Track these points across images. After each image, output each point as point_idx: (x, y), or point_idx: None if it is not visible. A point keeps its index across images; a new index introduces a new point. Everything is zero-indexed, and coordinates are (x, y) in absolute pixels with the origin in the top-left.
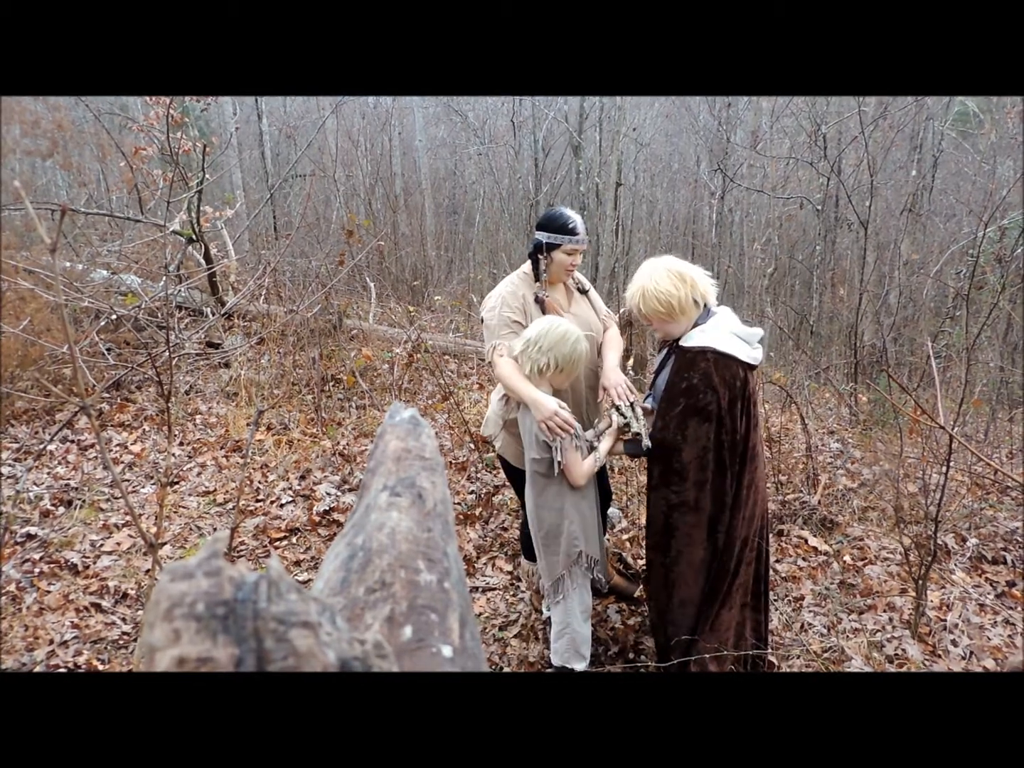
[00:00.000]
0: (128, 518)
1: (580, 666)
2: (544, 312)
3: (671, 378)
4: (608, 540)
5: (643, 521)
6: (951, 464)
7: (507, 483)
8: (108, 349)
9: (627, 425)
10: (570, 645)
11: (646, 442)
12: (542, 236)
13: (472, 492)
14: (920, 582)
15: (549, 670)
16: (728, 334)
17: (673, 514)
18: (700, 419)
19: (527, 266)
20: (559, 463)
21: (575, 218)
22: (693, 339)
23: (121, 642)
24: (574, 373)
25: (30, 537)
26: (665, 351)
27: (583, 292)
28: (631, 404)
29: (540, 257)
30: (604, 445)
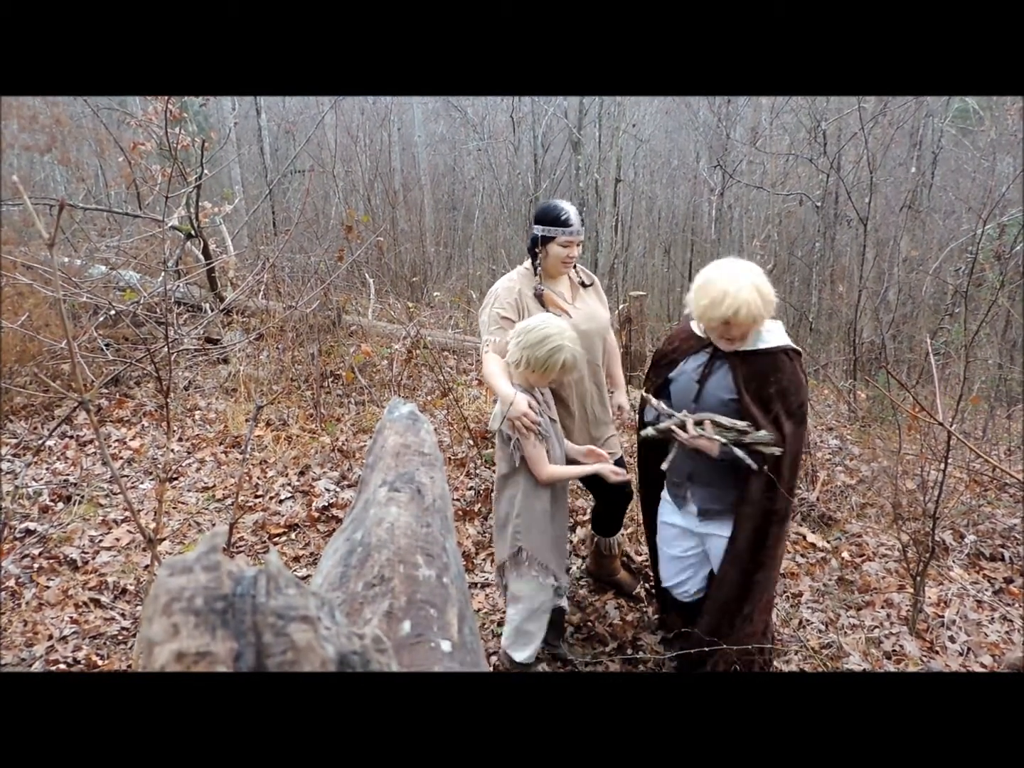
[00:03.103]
0: (127, 514)
1: (520, 657)
2: (543, 305)
3: (750, 384)
4: (622, 536)
5: (641, 518)
6: (949, 461)
7: None
8: (107, 345)
9: (739, 441)
10: (516, 634)
11: (748, 462)
12: (537, 229)
13: (471, 488)
14: (918, 578)
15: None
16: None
17: (769, 524)
18: (795, 422)
19: (529, 261)
20: (520, 457)
21: (568, 210)
22: (765, 340)
23: (120, 637)
24: (548, 378)
25: (29, 533)
26: (707, 357)
27: (586, 286)
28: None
29: (537, 251)
30: (578, 470)
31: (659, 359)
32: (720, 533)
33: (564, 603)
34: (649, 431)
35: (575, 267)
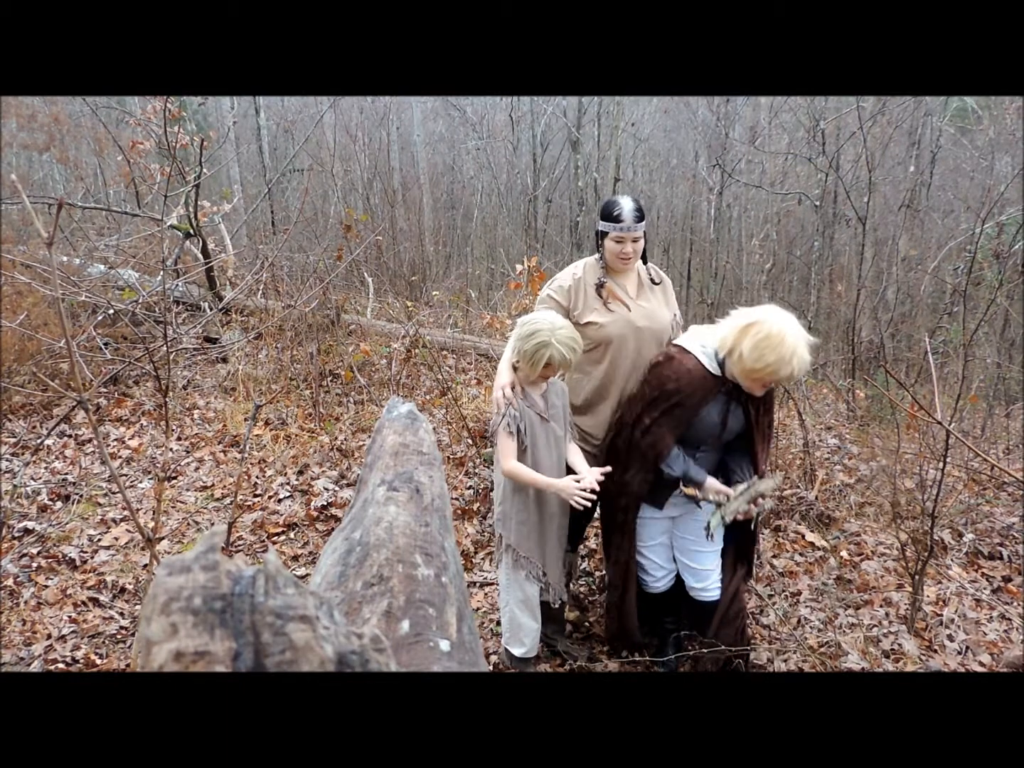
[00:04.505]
0: (126, 513)
1: (517, 651)
2: (602, 297)
3: (759, 415)
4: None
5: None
6: (948, 460)
7: None
8: (105, 344)
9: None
10: (511, 626)
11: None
12: (598, 224)
13: (470, 487)
14: (916, 577)
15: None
16: None
17: None
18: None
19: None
20: (493, 432)
21: (623, 205)
22: None
23: (119, 636)
24: (537, 372)
25: (28, 532)
26: (726, 397)
27: (655, 284)
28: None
29: (599, 245)
30: (542, 480)
31: (679, 401)
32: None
33: (564, 596)
34: (731, 515)
35: (646, 263)
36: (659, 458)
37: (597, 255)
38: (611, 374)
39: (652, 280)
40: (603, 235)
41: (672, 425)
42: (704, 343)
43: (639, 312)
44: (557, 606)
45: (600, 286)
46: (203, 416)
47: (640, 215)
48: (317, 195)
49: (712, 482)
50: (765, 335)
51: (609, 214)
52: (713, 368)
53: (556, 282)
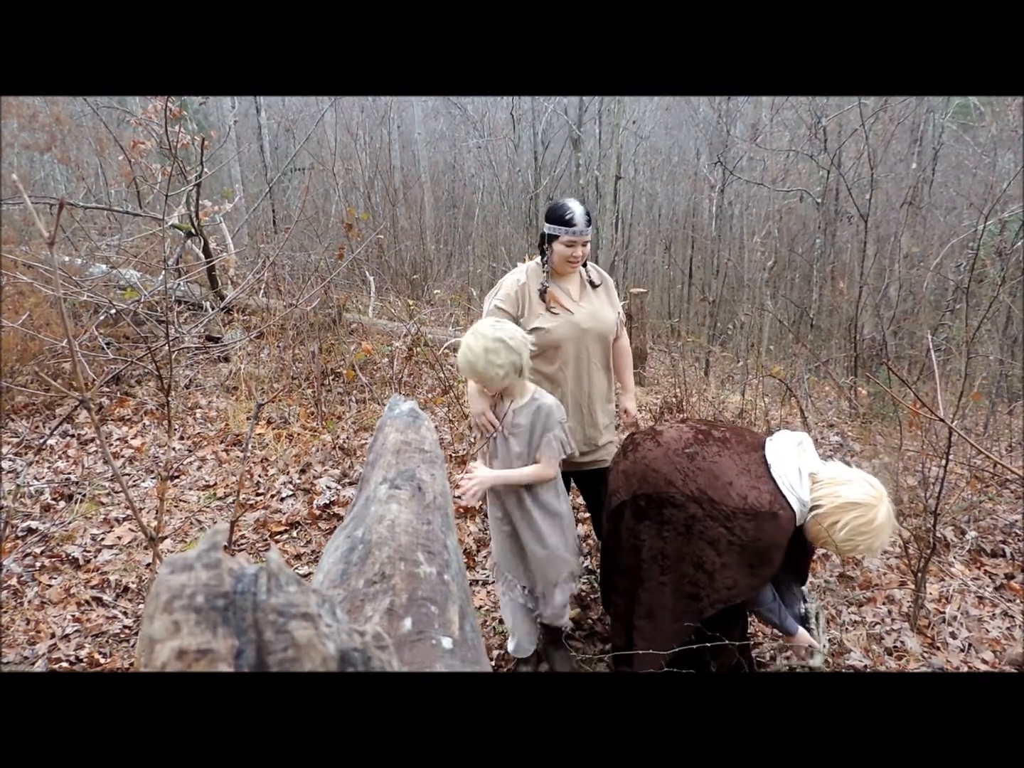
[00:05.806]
0: (128, 512)
1: (509, 647)
2: (544, 302)
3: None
4: None
5: None
6: (950, 457)
7: None
8: (107, 343)
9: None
10: (508, 622)
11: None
12: (545, 227)
13: None
14: (919, 575)
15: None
16: None
17: None
18: None
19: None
20: (473, 456)
21: (574, 209)
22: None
23: (122, 636)
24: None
25: (31, 531)
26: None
27: (595, 286)
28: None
29: (544, 248)
30: (505, 474)
31: (772, 560)
32: None
33: (565, 625)
34: (821, 666)
35: (586, 265)
36: (748, 604)
37: (540, 259)
38: (561, 378)
39: (592, 283)
40: (552, 239)
41: (761, 579)
42: (802, 498)
43: (582, 314)
44: (541, 620)
45: (543, 292)
46: (205, 415)
47: (589, 218)
48: (318, 194)
49: (803, 634)
50: (867, 521)
51: (560, 218)
52: (800, 520)
53: (502, 290)
